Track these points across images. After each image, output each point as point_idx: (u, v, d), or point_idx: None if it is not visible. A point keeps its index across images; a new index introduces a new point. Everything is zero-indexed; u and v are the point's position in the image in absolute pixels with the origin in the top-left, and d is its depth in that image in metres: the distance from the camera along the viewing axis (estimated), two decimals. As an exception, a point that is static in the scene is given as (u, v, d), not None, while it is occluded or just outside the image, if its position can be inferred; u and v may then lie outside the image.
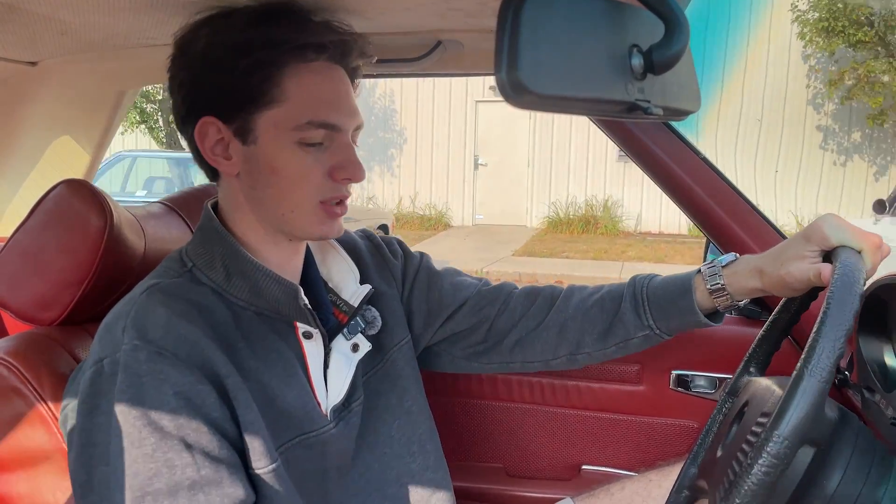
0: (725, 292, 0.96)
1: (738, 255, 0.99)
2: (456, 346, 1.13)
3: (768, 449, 0.62)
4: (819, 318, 0.67)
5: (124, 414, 0.76)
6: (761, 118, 10.79)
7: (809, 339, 0.66)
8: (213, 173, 0.91)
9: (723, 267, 0.97)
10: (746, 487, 0.63)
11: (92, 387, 0.79)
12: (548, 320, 1.08)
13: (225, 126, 0.85)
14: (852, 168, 10.56)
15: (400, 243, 1.16)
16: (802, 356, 0.66)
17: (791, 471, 0.69)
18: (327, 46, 0.85)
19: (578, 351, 1.07)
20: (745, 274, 0.95)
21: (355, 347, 0.97)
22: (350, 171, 0.87)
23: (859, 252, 0.82)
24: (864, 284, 0.76)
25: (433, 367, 1.16)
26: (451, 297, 1.11)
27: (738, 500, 0.63)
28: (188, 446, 0.77)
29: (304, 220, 0.87)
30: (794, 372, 0.65)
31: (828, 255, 0.87)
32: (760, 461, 0.62)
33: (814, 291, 0.91)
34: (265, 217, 0.88)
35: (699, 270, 1.00)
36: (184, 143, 0.92)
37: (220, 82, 0.83)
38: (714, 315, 1.00)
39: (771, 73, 10.74)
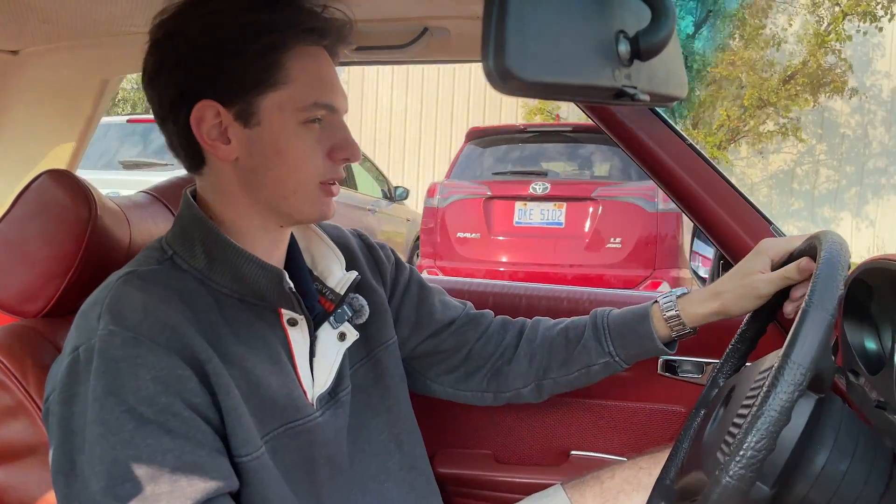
0: (679, 320, 1.02)
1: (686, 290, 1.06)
2: (432, 368, 1.15)
3: (785, 377, 0.63)
4: (816, 268, 0.71)
5: (101, 400, 0.75)
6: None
7: (811, 281, 0.69)
8: (197, 161, 0.89)
9: (678, 297, 1.03)
10: (765, 418, 0.62)
11: (69, 375, 0.78)
12: (519, 350, 1.12)
13: (225, 109, 0.84)
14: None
15: (392, 251, 1.16)
16: (807, 294, 0.68)
17: (777, 451, 0.70)
18: (329, 31, 0.87)
19: (545, 377, 1.10)
20: (698, 301, 1.01)
21: (342, 336, 0.97)
22: (348, 150, 0.88)
23: None
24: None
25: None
26: (440, 314, 1.13)
27: (752, 442, 0.62)
28: (168, 431, 0.76)
29: (306, 201, 0.88)
30: (801, 307, 0.67)
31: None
32: (777, 390, 0.63)
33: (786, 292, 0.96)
34: (264, 200, 0.88)
35: (656, 300, 1.05)
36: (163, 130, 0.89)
37: (225, 65, 0.83)
38: (670, 344, 1.06)
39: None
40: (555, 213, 4.91)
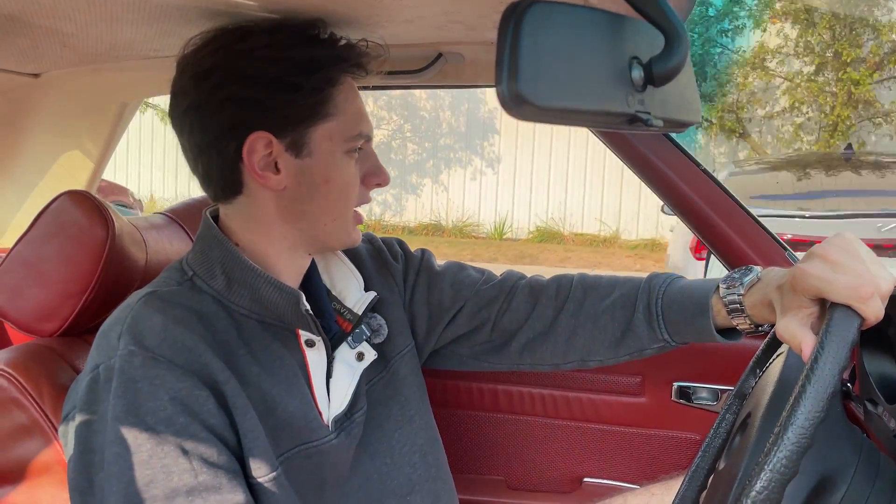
0: (744, 315, 0.90)
1: (755, 270, 0.92)
2: (462, 345, 1.11)
3: (772, 464, 0.59)
4: (785, 414, 0.61)
5: (119, 420, 0.75)
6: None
7: (773, 435, 0.61)
8: (234, 190, 0.88)
9: (743, 295, 0.90)
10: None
11: (89, 394, 0.79)
12: (557, 324, 1.04)
13: (277, 141, 0.85)
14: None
15: (401, 244, 1.14)
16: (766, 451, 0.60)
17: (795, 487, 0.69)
18: (367, 65, 0.90)
19: (590, 358, 1.04)
20: (766, 304, 0.87)
21: (360, 356, 0.97)
22: (381, 176, 0.93)
23: (849, 308, 0.70)
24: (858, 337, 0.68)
25: (442, 367, 1.14)
26: (450, 300, 1.08)
27: None
28: (185, 452, 0.76)
29: (341, 228, 0.91)
30: (761, 459, 0.60)
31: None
32: (768, 471, 0.59)
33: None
34: (302, 228, 0.89)
35: (717, 288, 0.93)
36: (198, 160, 0.88)
37: (280, 99, 0.83)
38: (733, 332, 0.94)
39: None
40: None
